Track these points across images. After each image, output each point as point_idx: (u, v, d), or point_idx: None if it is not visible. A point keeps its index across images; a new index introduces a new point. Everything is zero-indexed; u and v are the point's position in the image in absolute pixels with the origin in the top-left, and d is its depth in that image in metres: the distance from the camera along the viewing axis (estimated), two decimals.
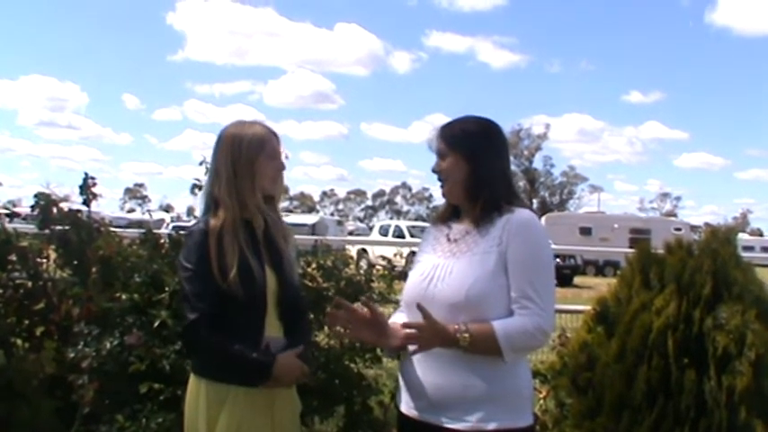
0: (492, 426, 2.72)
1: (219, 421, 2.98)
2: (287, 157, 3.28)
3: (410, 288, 2.96)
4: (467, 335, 2.69)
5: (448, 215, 3.06)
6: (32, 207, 4.83)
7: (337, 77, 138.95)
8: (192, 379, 3.13)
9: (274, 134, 3.21)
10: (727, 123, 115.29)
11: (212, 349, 2.99)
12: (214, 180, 3.15)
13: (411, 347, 2.78)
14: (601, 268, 36.33)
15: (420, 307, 2.71)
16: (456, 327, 2.70)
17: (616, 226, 41.54)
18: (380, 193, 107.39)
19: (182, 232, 4.79)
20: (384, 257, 5.59)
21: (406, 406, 2.92)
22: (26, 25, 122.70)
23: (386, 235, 34.11)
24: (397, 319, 3.01)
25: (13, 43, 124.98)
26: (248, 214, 3.10)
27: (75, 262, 4.82)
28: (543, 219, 41.07)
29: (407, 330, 2.76)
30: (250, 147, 3.11)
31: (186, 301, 3.00)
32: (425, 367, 2.82)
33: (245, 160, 3.09)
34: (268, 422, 3.07)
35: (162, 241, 4.95)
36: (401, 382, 2.97)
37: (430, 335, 2.71)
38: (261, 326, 3.06)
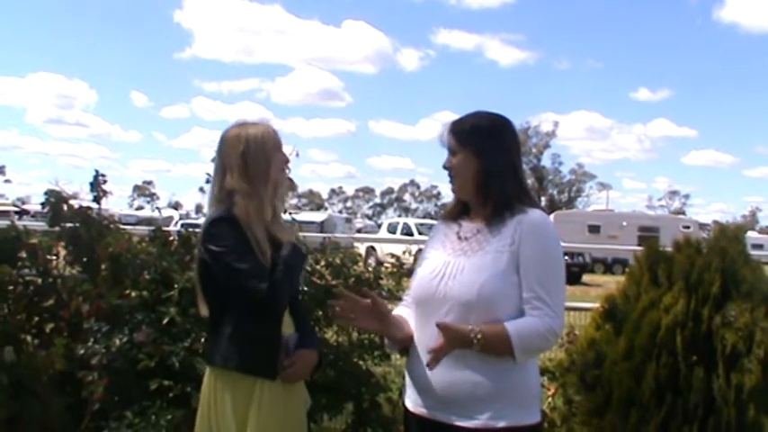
0: (501, 423, 2.72)
1: (250, 414, 3.01)
2: (297, 155, 3.30)
3: (420, 285, 2.95)
4: (480, 336, 2.69)
5: (457, 212, 3.05)
6: (43, 204, 4.85)
7: (345, 75, 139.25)
8: (210, 372, 3.14)
9: (275, 130, 3.26)
10: (735, 121, 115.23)
11: (289, 285, 3.07)
12: (224, 174, 3.16)
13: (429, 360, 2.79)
14: (609, 266, 36.25)
15: (440, 325, 2.72)
16: (470, 328, 2.71)
17: (624, 224, 41.43)
18: (389, 191, 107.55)
19: (191, 229, 4.81)
20: (393, 255, 5.59)
21: (413, 403, 2.92)
22: (34, 23, 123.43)
23: (394, 232, 34.14)
24: (400, 312, 3.03)
25: (22, 41, 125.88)
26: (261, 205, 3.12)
27: (85, 259, 4.84)
28: (552, 216, 40.94)
29: (430, 355, 2.77)
30: (256, 141, 3.16)
31: (250, 277, 2.98)
32: None
33: (254, 154, 3.13)
34: (284, 414, 3.10)
35: (171, 238, 4.97)
36: (408, 380, 2.97)
37: (448, 348, 2.73)
38: (281, 318, 3.12)
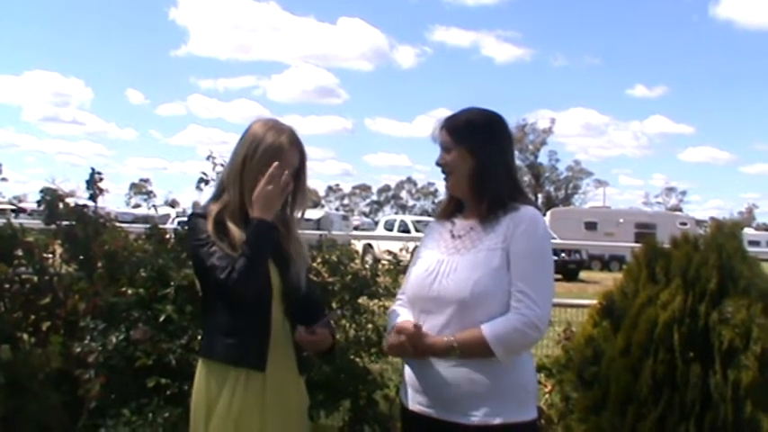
0: (497, 420, 2.72)
1: (217, 408, 2.99)
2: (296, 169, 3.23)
3: (414, 284, 2.96)
4: (456, 345, 2.72)
5: (451, 211, 3.05)
6: (39, 202, 4.84)
7: (341, 72, 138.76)
8: (200, 363, 3.14)
9: (297, 148, 3.14)
10: (732, 117, 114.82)
11: (246, 272, 2.93)
12: (229, 167, 3.15)
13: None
14: (606, 263, 36.18)
15: (416, 326, 2.78)
16: (446, 339, 2.73)
17: (621, 220, 41.47)
18: (386, 188, 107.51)
19: (187, 227, 4.80)
20: (390, 252, 5.59)
21: (411, 401, 2.92)
22: (29, 21, 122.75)
23: (391, 230, 34.05)
24: (403, 315, 3.00)
25: (17, 39, 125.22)
26: (247, 208, 3.07)
27: (81, 257, 4.83)
28: (549, 213, 41.07)
29: (392, 339, 2.84)
30: (265, 153, 3.06)
31: (215, 269, 2.94)
32: (430, 363, 2.82)
33: (257, 163, 3.06)
34: (269, 414, 3.06)
35: (167, 236, 4.96)
36: (405, 378, 2.97)
37: (415, 353, 2.78)
38: (267, 321, 3.06)
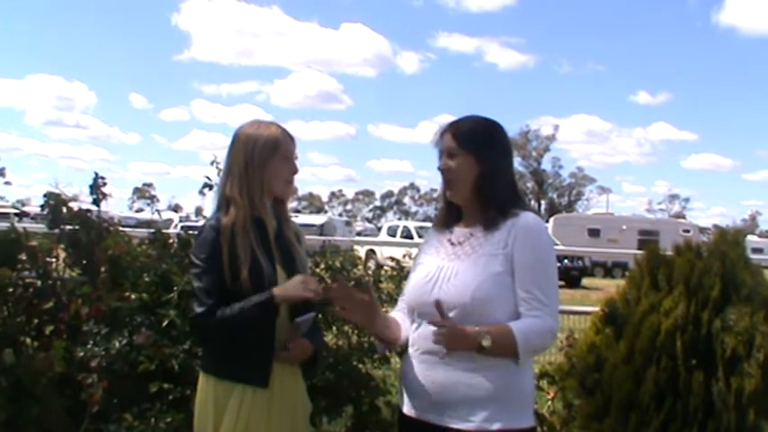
0: (496, 426, 2.72)
1: (224, 421, 2.99)
2: (296, 158, 3.28)
3: (414, 290, 2.96)
4: (488, 336, 2.67)
5: (448, 219, 3.05)
6: (42, 206, 4.85)
7: (344, 78, 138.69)
8: (201, 377, 3.14)
9: (290, 137, 3.22)
10: (735, 124, 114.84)
11: (224, 324, 2.98)
12: (227, 179, 3.16)
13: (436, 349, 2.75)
14: (609, 270, 36.19)
15: (438, 306, 2.70)
16: (477, 330, 2.68)
17: (624, 227, 41.41)
18: (389, 194, 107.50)
19: (190, 232, 4.80)
20: (392, 258, 5.59)
21: (407, 406, 2.91)
22: (33, 25, 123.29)
23: (394, 236, 34.05)
24: (393, 315, 3.05)
25: (20, 43, 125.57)
26: (259, 213, 3.10)
27: (85, 261, 4.83)
28: (552, 220, 41.04)
29: (434, 329, 2.72)
30: (264, 148, 3.12)
31: (195, 296, 3.03)
32: (428, 367, 2.81)
33: (258, 161, 3.10)
34: (275, 423, 3.06)
35: (171, 241, 4.97)
36: (403, 383, 2.96)
37: (453, 336, 2.69)
38: (272, 326, 3.07)
